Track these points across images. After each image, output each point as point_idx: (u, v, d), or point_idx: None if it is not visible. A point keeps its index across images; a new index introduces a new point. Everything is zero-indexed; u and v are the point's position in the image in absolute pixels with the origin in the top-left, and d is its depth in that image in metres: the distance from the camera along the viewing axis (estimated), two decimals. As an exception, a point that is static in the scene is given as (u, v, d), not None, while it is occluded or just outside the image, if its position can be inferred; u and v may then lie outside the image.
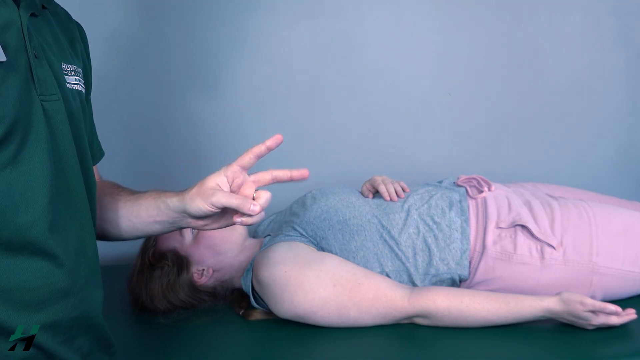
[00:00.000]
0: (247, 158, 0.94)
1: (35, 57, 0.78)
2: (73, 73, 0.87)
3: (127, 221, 1.00)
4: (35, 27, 0.81)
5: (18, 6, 0.78)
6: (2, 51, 0.73)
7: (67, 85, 0.85)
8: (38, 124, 0.76)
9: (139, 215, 0.98)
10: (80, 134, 0.86)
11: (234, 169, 0.93)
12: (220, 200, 0.89)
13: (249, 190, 0.93)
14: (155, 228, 1.00)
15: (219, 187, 0.92)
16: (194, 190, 0.92)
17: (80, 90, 0.89)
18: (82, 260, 0.83)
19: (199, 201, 0.90)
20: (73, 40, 0.94)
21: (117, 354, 0.93)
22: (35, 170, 0.75)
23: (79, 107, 0.87)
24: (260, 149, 0.94)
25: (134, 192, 1.03)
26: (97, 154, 1.07)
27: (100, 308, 0.88)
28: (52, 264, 0.77)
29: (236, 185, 0.94)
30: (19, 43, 0.77)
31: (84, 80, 0.92)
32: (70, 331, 0.80)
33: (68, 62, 0.87)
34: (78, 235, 0.83)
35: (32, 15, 0.81)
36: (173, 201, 0.94)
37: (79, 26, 0.98)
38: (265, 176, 0.95)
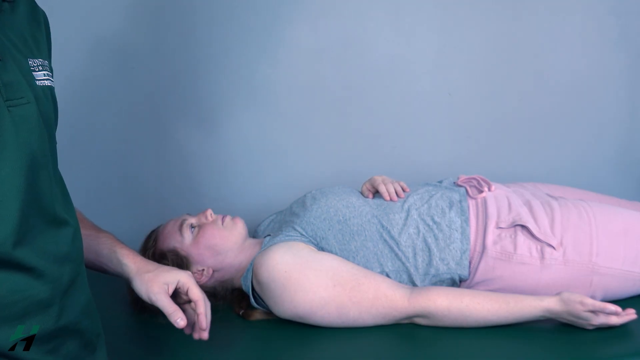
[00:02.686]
0: (196, 297, 1.04)
1: (0, 60, 0.73)
2: (40, 68, 0.82)
3: None
4: None
5: None
6: None
7: (37, 82, 0.80)
8: (6, 133, 0.72)
9: (87, 252, 1.00)
10: (52, 133, 0.83)
11: (186, 286, 1.04)
12: (157, 302, 1.01)
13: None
14: (98, 268, 1.09)
15: (167, 288, 1.03)
16: (150, 276, 1.04)
17: (51, 85, 0.84)
18: (65, 266, 0.80)
19: (144, 289, 1.02)
20: (36, 32, 0.87)
21: (104, 343, 0.91)
22: (6, 183, 0.71)
23: (50, 105, 0.83)
24: (201, 310, 1.03)
25: (85, 224, 1.07)
26: (56, 156, 1.05)
27: (85, 310, 0.85)
28: (30, 276, 0.74)
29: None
30: None
31: (51, 72, 0.87)
32: (55, 339, 0.78)
33: (34, 57, 0.82)
34: (56, 241, 0.79)
35: None
36: (127, 268, 1.05)
37: (44, 15, 0.91)
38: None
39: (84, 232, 0.98)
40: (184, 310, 1.03)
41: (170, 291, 1.03)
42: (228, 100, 1.77)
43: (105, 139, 1.73)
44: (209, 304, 1.07)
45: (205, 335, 1.04)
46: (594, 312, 1.14)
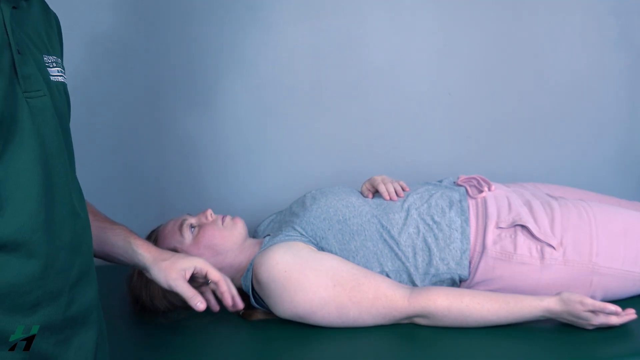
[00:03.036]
0: (216, 277, 1.12)
1: (19, 53, 0.76)
2: (55, 64, 0.85)
3: None
4: (16, 20, 0.78)
5: None
6: None
7: (51, 78, 0.82)
8: (23, 123, 0.74)
9: (101, 244, 1.07)
10: (66, 128, 0.85)
11: (204, 271, 1.11)
12: (176, 288, 1.07)
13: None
14: (112, 260, 1.12)
15: (185, 274, 1.09)
16: (167, 263, 1.09)
17: (63, 82, 0.87)
18: (77, 258, 0.81)
19: (163, 276, 1.08)
20: (49, 31, 0.90)
21: (109, 352, 0.92)
22: (22, 171, 0.73)
23: (64, 100, 0.85)
24: (223, 287, 1.14)
25: (98, 217, 1.11)
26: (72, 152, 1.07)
27: (94, 303, 0.86)
28: (44, 265, 0.75)
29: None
30: (2, 40, 0.74)
31: (63, 70, 0.89)
32: (65, 331, 0.79)
33: (49, 54, 0.85)
34: (73, 231, 0.81)
35: (13, 8, 0.78)
36: (142, 257, 1.09)
37: (55, 16, 0.94)
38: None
39: (98, 224, 1.05)
40: (202, 293, 1.11)
41: (188, 277, 1.09)
42: (228, 100, 1.77)
43: (105, 138, 1.73)
44: (229, 280, 1.15)
45: (239, 305, 1.15)
46: (594, 312, 1.14)
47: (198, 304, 1.06)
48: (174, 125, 1.77)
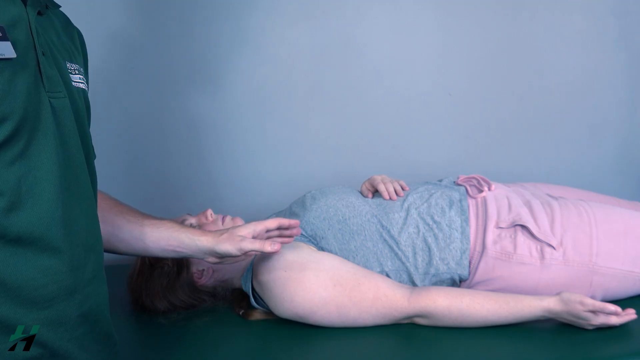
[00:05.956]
0: (274, 224, 1.17)
1: (43, 55, 0.79)
2: (77, 72, 0.88)
3: (142, 243, 1.09)
4: (41, 25, 0.82)
5: (25, 4, 0.78)
6: (12, 48, 0.73)
7: (72, 83, 0.86)
8: (46, 121, 0.77)
9: (156, 241, 1.10)
10: (85, 132, 0.88)
11: (260, 228, 1.15)
12: (247, 246, 1.10)
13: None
14: (168, 254, 1.13)
15: (247, 235, 1.13)
16: (225, 236, 1.12)
17: (84, 89, 0.90)
18: (91, 255, 0.83)
19: (229, 245, 1.10)
20: (71, 43, 0.94)
21: (119, 353, 0.93)
22: (43, 166, 0.76)
23: (83, 105, 0.88)
24: (285, 223, 1.18)
25: (145, 215, 1.12)
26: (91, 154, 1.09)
27: (106, 303, 0.88)
28: (59, 260, 0.77)
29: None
30: (28, 40, 0.77)
31: (86, 82, 0.93)
32: (79, 328, 0.81)
33: (72, 61, 0.88)
34: (88, 229, 0.84)
35: (38, 13, 0.81)
36: (202, 240, 1.11)
37: (78, 32, 0.98)
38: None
39: (148, 221, 1.09)
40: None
41: (250, 236, 1.14)
42: (228, 100, 1.77)
43: (105, 139, 1.73)
44: (279, 218, 1.20)
45: (296, 229, 1.21)
46: (593, 312, 1.14)
47: (273, 246, 1.10)
48: (175, 126, 1.77)
